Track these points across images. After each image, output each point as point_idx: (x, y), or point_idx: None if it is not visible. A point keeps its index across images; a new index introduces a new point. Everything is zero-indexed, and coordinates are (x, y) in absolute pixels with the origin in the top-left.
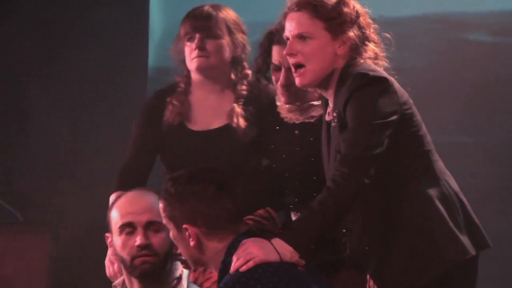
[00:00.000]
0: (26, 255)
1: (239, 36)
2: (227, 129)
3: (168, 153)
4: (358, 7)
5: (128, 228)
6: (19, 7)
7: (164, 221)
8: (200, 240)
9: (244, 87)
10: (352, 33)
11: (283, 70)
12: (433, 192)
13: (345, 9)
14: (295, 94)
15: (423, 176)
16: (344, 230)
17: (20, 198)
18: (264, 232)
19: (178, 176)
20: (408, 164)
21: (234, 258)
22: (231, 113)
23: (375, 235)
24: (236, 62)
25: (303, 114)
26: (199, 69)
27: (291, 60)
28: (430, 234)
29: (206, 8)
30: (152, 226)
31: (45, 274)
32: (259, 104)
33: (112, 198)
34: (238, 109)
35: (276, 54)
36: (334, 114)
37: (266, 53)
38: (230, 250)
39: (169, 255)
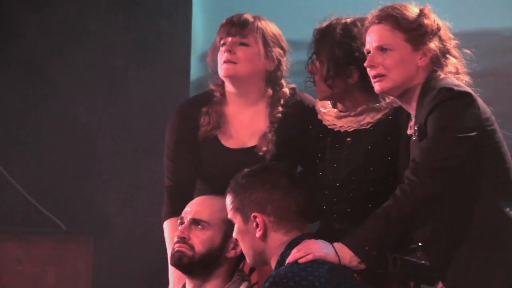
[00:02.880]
0: (69, 264)
1: (276, 51)
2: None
3: (202, 164)
4: (438, 20)
5: (180, 221)
6: (66, 17)
7: (230, 214)
8: (267, 231)
9: (280, 108)
10: (433, 45)
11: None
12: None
13: (426, 21)
14: (319, 91)
15: (502, 194)
16: (419, 244)
17: (63, 207)
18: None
19: (250, 169)
20: (488, 181)
21: (295, 250)
22: (261, 139)
23: (452, 250)
24: (271, 79)
25: (356, 122)
26: (227, 76)
27: (372, 72)
28: (507, 251)
29: (245, 15)
30: (199, 222)
31: (88, 283)
32: (295, 118)
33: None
34: (269, 136)
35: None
36: (415, 128)
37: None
38: (292, 245)
39: (206, 256)
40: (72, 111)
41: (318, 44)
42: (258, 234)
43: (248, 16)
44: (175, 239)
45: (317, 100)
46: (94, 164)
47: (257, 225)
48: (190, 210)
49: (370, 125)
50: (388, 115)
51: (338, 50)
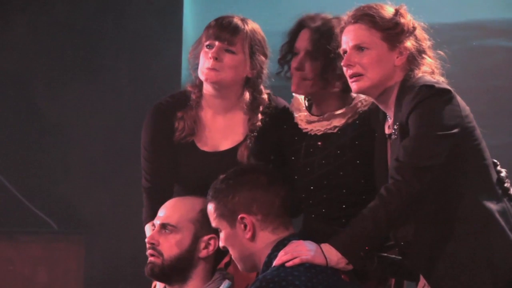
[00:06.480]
0: (61, 264)
1: (259, 58)
2: (234, 151)
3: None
4: (413, 20)
5: (153, 227)
6: (57, 16)
7: (215, 223)
8: (255, 231)
9: (259, 116)
10: (409, 44)
11: (300, 54)
12: (493, 205)
13: (402, 20)
14: (305, 87)
15: (483, 190)
16: (402, 243)
17: (54, 207)
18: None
19: (227, 174)
20: (468, 177)
21: (282, 252)
22: (241, 148)
23: (436, 249)
24: (250, 84)
25: (324, 125)
26: (209, 82)
27: (349, 72)
28: (490, 247)
29: (236, 20)
30: (166, 226)
31: (80, 283)
32: (272, 125)
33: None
34: (247, 144)
35: (300, 38)
36: (395, 127)
37: (293, 39)
38: (279, 246)
39: (176, 261)
40: (63, 110)
41: (316, 42)
42: (247, 235)
43: (238, 21)
44: (147, 245)
45: (292, 103)
46: (85, 164)
47: (245, 226)
48: (162, 215)
49: (337, 129)
50: (355, 119)
51: (334, 46)
